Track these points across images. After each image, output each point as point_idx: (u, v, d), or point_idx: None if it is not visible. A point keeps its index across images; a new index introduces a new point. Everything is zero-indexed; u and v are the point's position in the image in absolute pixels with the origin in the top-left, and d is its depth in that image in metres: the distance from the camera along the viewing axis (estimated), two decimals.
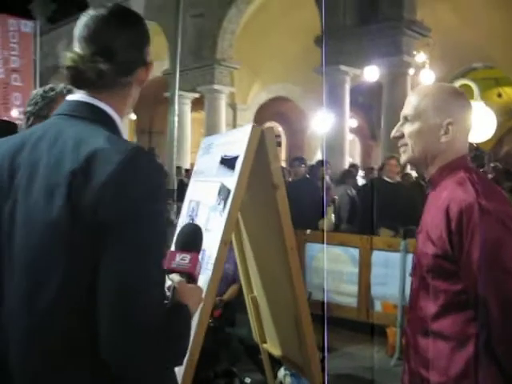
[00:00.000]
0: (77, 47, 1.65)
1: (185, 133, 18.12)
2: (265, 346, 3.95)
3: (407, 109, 2.23)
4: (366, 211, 8.57)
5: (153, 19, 19.42)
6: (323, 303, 7.88)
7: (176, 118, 9.84)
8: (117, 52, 1.63)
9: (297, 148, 31.52)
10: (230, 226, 2.94)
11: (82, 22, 1.66)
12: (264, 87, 23.39)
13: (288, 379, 4.92)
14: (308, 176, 9.83)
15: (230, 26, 17.78)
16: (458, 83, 7.22)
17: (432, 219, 2.10)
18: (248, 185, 3.16)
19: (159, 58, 20.90)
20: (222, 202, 3.02)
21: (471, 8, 16.17)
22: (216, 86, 18.01)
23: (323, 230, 9.28)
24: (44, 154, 1.54)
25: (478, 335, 1.96)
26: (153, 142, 28.42)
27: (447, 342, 2.02)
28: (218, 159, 3.27)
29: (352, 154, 28.19)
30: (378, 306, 7.49)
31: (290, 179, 10.22)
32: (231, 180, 3.00)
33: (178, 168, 11.78)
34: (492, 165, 13.11)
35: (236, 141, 3.12)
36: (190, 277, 1.79)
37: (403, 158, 2.28)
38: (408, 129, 2.21)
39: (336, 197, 10.85)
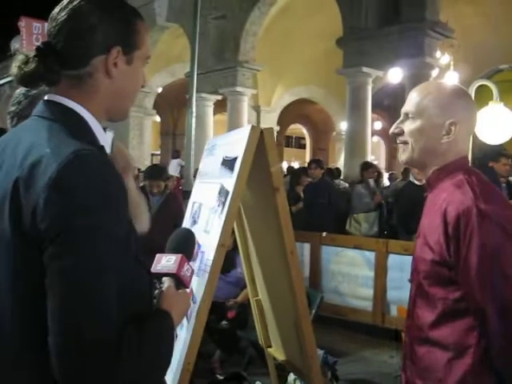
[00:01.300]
0: None
1: (207, 134, 18.11)
2: (270, 350, 3.91)
3: (409, 105, 2.16)
4: (404, 216, 8.37)
5: (175, 21, 19.53)
6: (338, 306, 7.85)
7: (194, 120, 9.86)
8: (58, 42, 1.51)
9: (321, 150, 31.50)
10: (228, 227, 2.90)
11: None
12: (287, 89, 23.36)
13: (298, 383, 4.87)
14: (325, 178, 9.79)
15: (253, 28, 17.74)
16: (476, 84, 7.08)
17: (429, 223, 2.04)
18: (249, 187, 3.11)
19: (182, 61, 21.01)
20: (221, 204, 2.98)
21: (496, 9, 15.94)
22: (238, 88, 17.98)
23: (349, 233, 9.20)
24: (6, 160, 1.48)
25: (477, 345, 1.89)
26: (177, 143, 28.55)
27: (444, 351, 1.96)
28: (220, 160, 3.23)
29: (377, 156, 28.12)
30: (393, 311, 7.42)
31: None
32: (230, 181, 2.95)
33: (198, 170, 11.72)
34: None
35: (236, 141, 3.07)
36: (179, 281, 1.75)
37: (402, 158, 2.20)
38: (409, 126, 2.14)
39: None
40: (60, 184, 1.31)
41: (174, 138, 30.54)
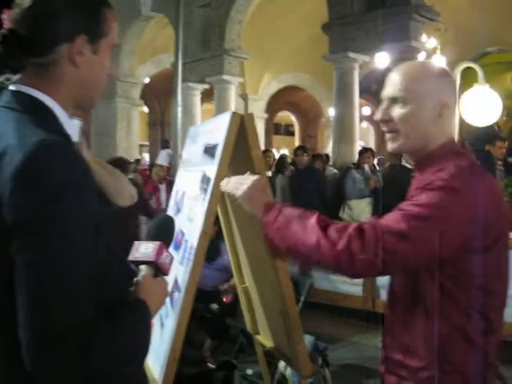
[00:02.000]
0: None
1: (194, 124, 18.02)
2: (258, 337, 3.89)
3: (394, 89, 2.06)
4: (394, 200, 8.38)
5: (160, 11, 19.41)
6: (328, 292, 7.85)
7: (180, 109, 9.82)
8: (21, 29, 1.47)
9: (310, 137, 31.50)
10: (211, 215, 2.87)
11: None
12: (275, 77, 23.32)
13: (289, 370, 4.87)
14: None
15: (238, 15, 17.65)
16: (461, 66, 7.09)
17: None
18: (232, 173, 3.08)
19: (168, 51, 20.90)
20: (204, 192, 2.95)
21: None
22: (225, 77, 17.90)
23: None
24: None
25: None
26: (166, 133, 28.45)
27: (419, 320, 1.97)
28: (202, 148, 3.21)
29: (366, 141, 28.13)
30: (383, 295, 7.42)
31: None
32: (212, 169, 2.93)
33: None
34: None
35: (217, 128, 3.05)
36: (158, 268, 1.73)
37: (394, 146, 2.10)
38: (399, 112, 2.04)
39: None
40: (24, 174, 1.30)
41: (162, 128, 30.46)
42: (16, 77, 1.55)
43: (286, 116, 33.94)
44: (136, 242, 1.79)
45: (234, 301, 6.07)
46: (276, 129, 35.64)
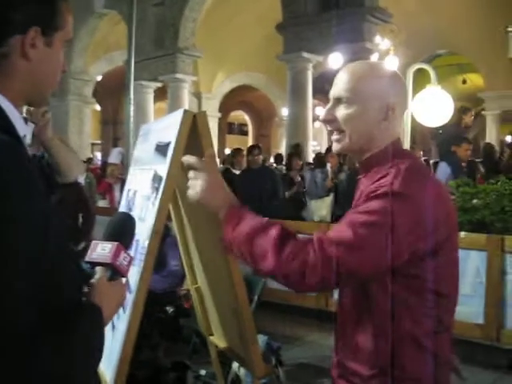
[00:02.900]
0: None
1: (147, 122, 17.93)
2: (211, 338, 3.86)
3: (340, 89, 2.02)
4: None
5: (113, 8, 19.22)
6: (281, 291, 7.83)
7: (132, 107, 9.74)
8: None
9: (263, 137, 31.58)
10: (162, 215, 2.82)
11: None
12: (228, 76, 23.35)
13: (242, 370, 4.85)
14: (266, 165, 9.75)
15: (192, 14, 17.59)
16: (414, 67, 7.17)
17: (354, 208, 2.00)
18: (184, 172, 3.04)
19: (121, 48, 20.71)
20: (155, 191, 2.91)
21: None
22: (178, 75, 17.83)
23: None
24: None
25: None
26: (118, 132, 28.20)
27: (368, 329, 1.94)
28: (154, 146, 3.16)
29: (319, 141, 28.29)
30: (336, 294, 7.44)
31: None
32: (164, 167, 2.88)
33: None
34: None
35: (169, 127, 3.00)
36: (115, 271, 1.66)
37: (338, 147, 2.06)
38: (343, 112, 2.00)
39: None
40: None
41: (114, 126, 30.16)
42: None
43: (240, 115, 33.99)
44: (93, 242, 1.72)
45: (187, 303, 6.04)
46: (229, 128, 35.64)
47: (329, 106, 2.07)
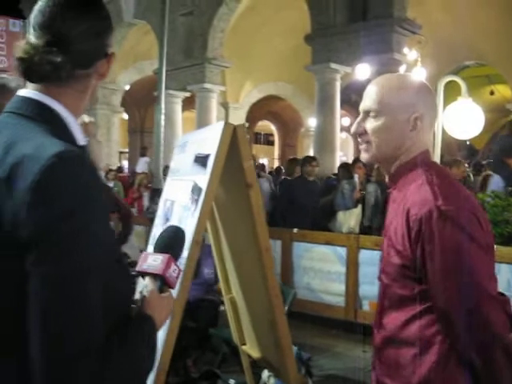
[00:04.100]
0: (31, 36, 1.47)
1: (175, 132, 18.04)
2: (244, 347, 3.89)
3: (369, 102, 2.08)
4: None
5: (142, 18, 19.38)
6: (310, 302, 7.86)
7: (163, 117, 9.82)
8: (74, 41, 1.46)
9: (290, 147, 31.57)
10: (202, 225, 2.87)
11: (36, 8, 1.49)
12: (256, 86, 23.33)
13: (272, 380, 4.85)
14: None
15: (221, 24, 17.66)
16: (445, 80, 7.15)
17: (391, 223, 2.01)
18: (222, 183, 3.09)
19: (150, 58, 20.88)
20: (195, 201, 2.95)
21: (463, 6, 16.12)
22: (207, 85, 17.90)
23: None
24: None
25: (441, 342, 1.87)
26: (145, 141, 28.35)
27: (410, 349, 1.93)
28: (192, 157, 3.20)
29: (345, 152, 28.24)
30: (365, 305, 7.46)
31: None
32: (203, 178, 2.93)
33: (167, 167, 11.65)
34: (485, 162, 13.10)
35: (209, 138, 3.05)
36: (165, 282, 1.68)
37: (365, 157, 2.14)
38: (372, 125, 2.06)
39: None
40: (43, 187, 1.26)
41: (141, 135, 30.33)
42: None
43: (266, 125, 34.01)
44: (143, 253, 1.76)
45: (215, 312, 6.06)
46: (256, 138, 35.70)
47: (359, 119, 2.13)
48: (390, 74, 2.23)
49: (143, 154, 17.37)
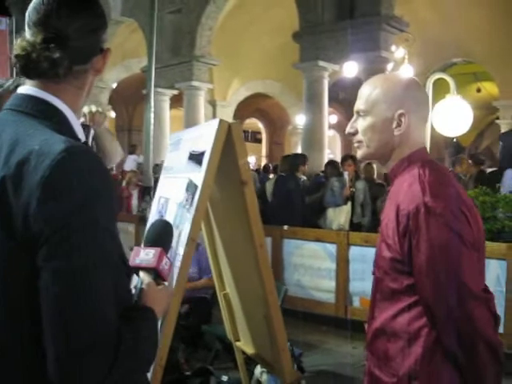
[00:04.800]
0: (27, 33, 1.49)
1: (163, 130, 18.03)
2: (238, 343, 3.91)
3: (359, 102, 2.15)
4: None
5: (130, 16, 19.32)
6: (301, 299, 7.88)
7: (152, 115, 9.81)
8: (70, 38, 1.47)
9: (277, 145, 31.58)
10: (198, 222, 2.89)
11: (31, 5, 1.51)
12: (243, 84, 23.34)
13: (265, 376, 4.88)
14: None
15: (209, 22, 17.66)
16: (433, 77, 7.21)
17: (384, 219, 2.06)
18: (217, 181, 3.10)
19: (137, 55, 20.82)
20: (190, 198, 2.96)
21: (450, 4, 16.19)
22: (194, 83, 17.90)
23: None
24: None
25: (427, 334, 1.91)
26: (133, 139, 28.27)
27: (398, 341, 1.98)
28: (187, 155, 3.21)
29: (333, 150, 28.27)
30: (356, 302, 7.49)
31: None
32: (199, 176, 2.94)
33: (157, 165, 11.66)
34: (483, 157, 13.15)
35: (203, 136, 3.06)
36: (158, 275, 1.73)
37: (359, 154, 2.21)
38: (361, 124, 2.13)
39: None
40: (53, 183, 1.28)
41: (129, 133, 30.27)
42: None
43: (254, 123, 33.97)
44: (135, 248, 1.79)
45: (208, 308, 6.08)
46: (243, 136, 35.62)
47: (352, 119, 2.19)
48: (381, 74, 2.30)
49: (131, 152, 17.30)
